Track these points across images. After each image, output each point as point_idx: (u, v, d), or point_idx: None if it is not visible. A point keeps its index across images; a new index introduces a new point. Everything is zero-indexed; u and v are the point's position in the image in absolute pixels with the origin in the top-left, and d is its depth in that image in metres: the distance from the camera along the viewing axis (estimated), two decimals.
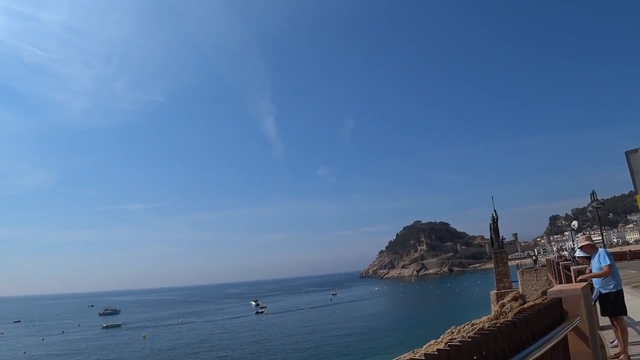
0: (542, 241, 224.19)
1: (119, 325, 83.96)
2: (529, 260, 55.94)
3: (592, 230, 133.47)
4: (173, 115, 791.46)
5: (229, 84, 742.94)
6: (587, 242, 7.48)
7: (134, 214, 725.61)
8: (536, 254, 69.90)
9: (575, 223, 40.42)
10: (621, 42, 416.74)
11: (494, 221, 32.66)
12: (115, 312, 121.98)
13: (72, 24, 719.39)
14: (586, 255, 7.62)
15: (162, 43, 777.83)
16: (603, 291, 6.92)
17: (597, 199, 18.15)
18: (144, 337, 65.68)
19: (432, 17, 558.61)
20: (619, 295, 6.82)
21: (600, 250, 7.13)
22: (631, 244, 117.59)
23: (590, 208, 17.96)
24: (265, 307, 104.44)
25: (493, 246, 32.39)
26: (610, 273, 6.80)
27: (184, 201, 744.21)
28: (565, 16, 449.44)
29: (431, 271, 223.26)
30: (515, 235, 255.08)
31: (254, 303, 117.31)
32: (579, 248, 8.46)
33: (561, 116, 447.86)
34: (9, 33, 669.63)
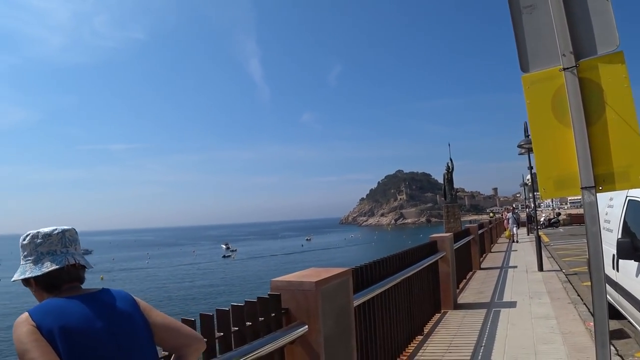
0: (522, 197, 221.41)
1: None
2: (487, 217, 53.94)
3: None
4: (156, 54, 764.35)
5: (215, 22, 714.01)
6: None
7: (115, 154, 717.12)
8: (493, 211, 68.26)
9: (529, 177, 37.25)
10: None
11: (449, 171, 29.93)
12: (87, 252, 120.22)
13: None
14: None
15: None
16: None
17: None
18: (102, 279, 64.09)
19: None
20: None
21: None
22: None
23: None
24: (235, 250, 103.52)
25: (445, 199, 29.68)
26: None
27: (167, 142, 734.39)
28: None
29: (409, 220, 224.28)
30: (495, 189, 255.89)
31: (224, 246, 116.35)
32: None
33: None
34: None
